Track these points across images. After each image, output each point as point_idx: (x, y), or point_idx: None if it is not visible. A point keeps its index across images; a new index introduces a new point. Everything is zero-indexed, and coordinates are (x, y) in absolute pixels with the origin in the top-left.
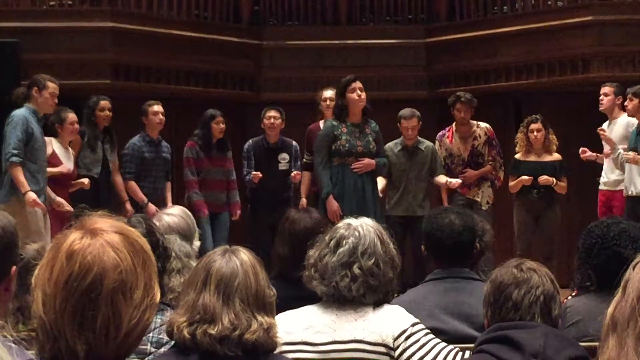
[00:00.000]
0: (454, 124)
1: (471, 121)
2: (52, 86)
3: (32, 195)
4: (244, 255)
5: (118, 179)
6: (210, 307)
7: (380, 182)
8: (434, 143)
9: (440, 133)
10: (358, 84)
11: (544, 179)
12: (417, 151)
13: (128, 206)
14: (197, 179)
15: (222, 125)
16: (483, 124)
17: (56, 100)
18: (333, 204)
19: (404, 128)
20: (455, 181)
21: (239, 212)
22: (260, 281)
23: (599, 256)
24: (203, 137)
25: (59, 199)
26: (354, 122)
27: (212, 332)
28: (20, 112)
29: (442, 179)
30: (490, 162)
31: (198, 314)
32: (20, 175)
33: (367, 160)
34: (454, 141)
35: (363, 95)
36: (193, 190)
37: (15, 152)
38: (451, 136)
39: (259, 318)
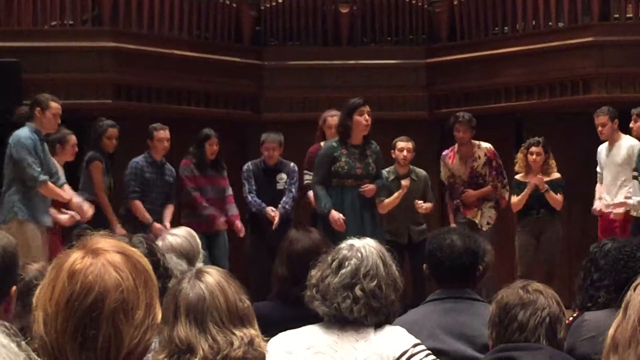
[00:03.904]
0: (456, 144)
1: (473, 141)
2: (55, 106)
3: (78, 200)
4: (209, 276)
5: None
6: (185, 338)
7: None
8: (439, 162)
9: (444, 152)
10: (367, 108)
11: (536, 178)
12: (410, 180)
13: (112, 217)
14: (199, 197)
15: (215, 147)
16: (485, 145)
17: (59, 120)
18: (335, 214)
19: (399, 150)
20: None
21: (239, 223)
22: (230, 297)
23: (621, 274)
24: (198, 156)
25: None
26: (355, 143)
27: None
28: (25, 133)
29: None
30: (490, 183)
31: (176, 347)
32: (54, 189)
33: (372, 186)
34: (455, 161)
35: (370, 120)
36: (201, 204)
37: (40, 170)
38: (453, 156)
39: (238, 333)
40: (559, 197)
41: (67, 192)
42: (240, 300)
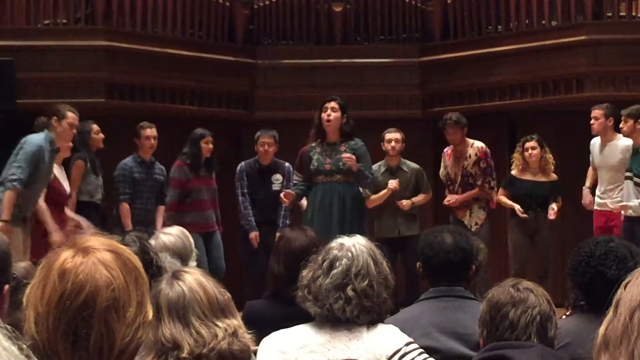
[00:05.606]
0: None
1: (468, 140)
2: (71, 116)
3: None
4: (188, 276)
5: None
6: (170, 336)
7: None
8: (432, 160)
9: (445, 150)
10: (331, 104)
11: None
12: (400, 172)
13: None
14: (178, 202)
15: (211, 146)
16: (478, 144)
17: (75, 131)
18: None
19: (387, 142)
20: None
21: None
22: (209, 291)
23: (584, 275)
24: (192, 156)
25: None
26: (330, 141)
27: (184, 355)
28: (37, 140)
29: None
30: (478, 184)
31: (163, 346)
32: (11, 202)
33: (352, 156)
34: (450, 161)
35: (333, 115)
36: (172, 212)
37: (22, 178)
38: (449, 155)
39: (221, 324)
40: (559, 203)
41: (7, 213)
42: (220, 292)
